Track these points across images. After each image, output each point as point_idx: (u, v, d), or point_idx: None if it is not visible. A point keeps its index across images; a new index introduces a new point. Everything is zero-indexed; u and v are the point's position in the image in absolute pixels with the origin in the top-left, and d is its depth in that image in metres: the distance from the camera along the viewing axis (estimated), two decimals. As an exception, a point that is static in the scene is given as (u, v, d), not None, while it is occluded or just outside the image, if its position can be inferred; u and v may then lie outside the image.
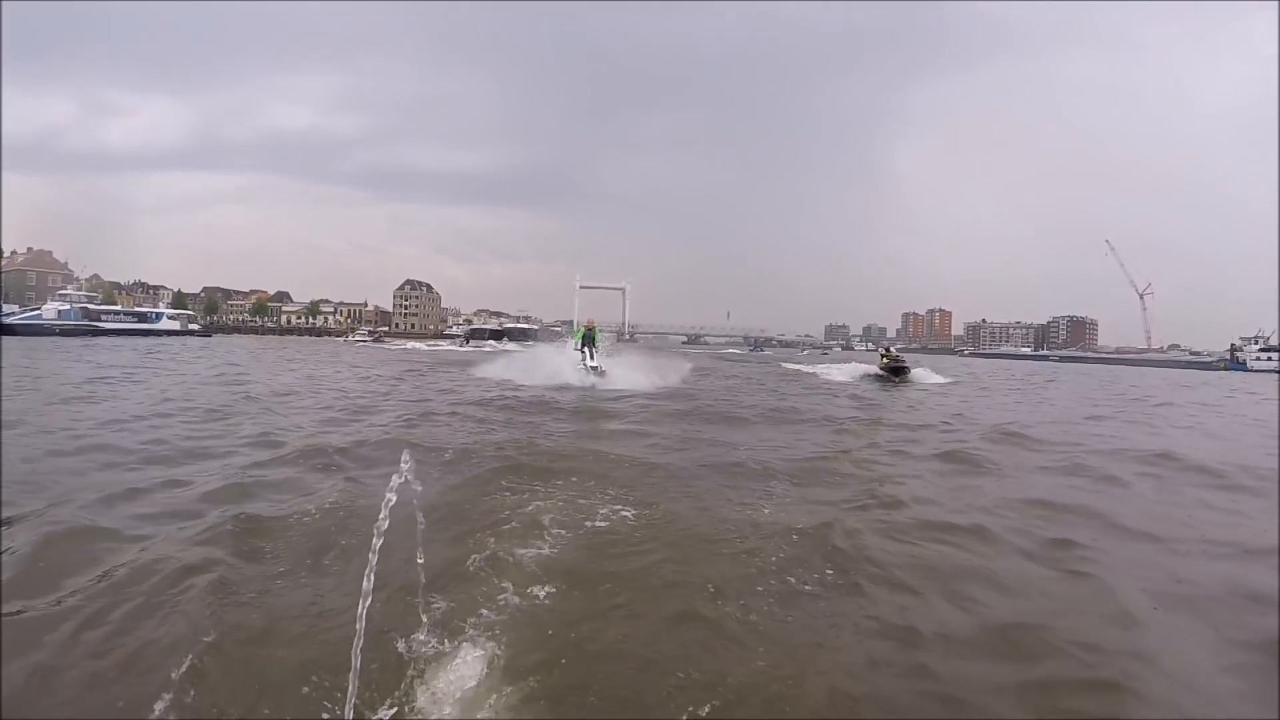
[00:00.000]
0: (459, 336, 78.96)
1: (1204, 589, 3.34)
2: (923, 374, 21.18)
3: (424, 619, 2.55)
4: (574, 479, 5.08)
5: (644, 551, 3.53)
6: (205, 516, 3.93)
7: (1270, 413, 14.95)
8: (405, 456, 2.38)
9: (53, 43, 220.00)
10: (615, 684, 2.28)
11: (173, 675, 2.18)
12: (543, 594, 2.92)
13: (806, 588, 3.15)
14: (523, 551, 3.39)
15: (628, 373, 15.49)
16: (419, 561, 2.67)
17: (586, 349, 16.14)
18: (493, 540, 3.56)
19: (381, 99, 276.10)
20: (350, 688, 1.86)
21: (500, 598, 2.85)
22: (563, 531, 3.73)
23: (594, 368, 15.46)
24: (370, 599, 1.94)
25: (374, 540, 2.05)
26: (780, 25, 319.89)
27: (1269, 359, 68.97)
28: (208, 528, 3.72)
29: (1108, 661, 2.52)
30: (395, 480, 2.22)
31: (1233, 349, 78.60)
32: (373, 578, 1.98)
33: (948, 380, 21.36)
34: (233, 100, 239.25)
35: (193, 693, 2.12)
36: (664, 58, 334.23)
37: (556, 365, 16.09)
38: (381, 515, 2.09)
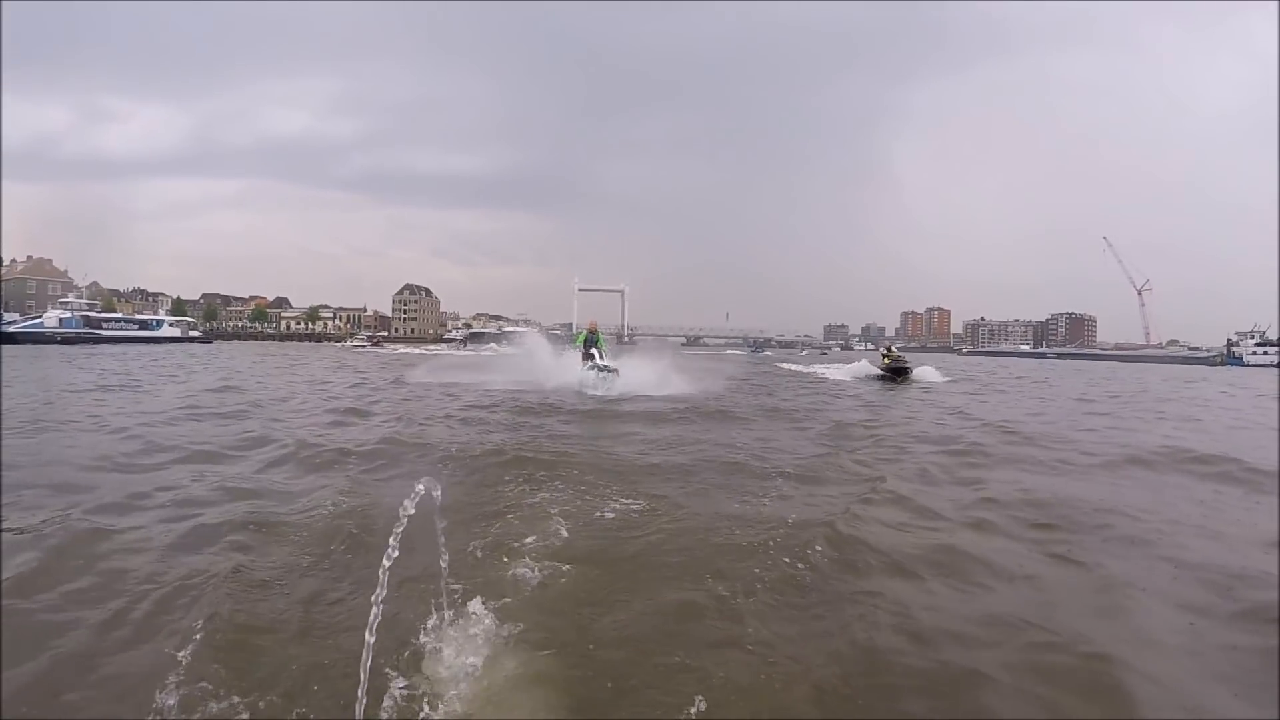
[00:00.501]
0: (458, 340, 79.18)
1: (1183, 574, 3.48)
2: (927, 373, 20.96)
3: (433, 605, 2.64)
4: (576, 471, 5.25)
5: (646, 542, 3.67)
6: (220, 516, 4.04)
7: (1249, 405, 15.14)
8: (433, 484, 2.39)
9: (48, 50, 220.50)
10: (613, 668, 2.37)
11: (188, 666, 2.28)
12: (547, 581, 3.06)
13: (803, 571, 3.27)
14: (528, 540, 3.54)
15: (650, 375, 14.17)
16: (441, 554, 2.75)
17: (595, 350, 14.72)
18: (499, 529, 3.73)
19: (378, 102, 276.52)
20: (362, 678, 1.90)
21: (506, 584, 2.99)
22: (568, 523, 3.88)
23: (604, 366, 14.02)
24: (385, 590, 1.98)
25: (394, 530, 2.11)
26: (778, 26, 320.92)
27: (1265, 353, 69.28)
28: (222, 524, 3.84)
29: (1093, 637, 2.66)
30: (416, 491, 2.25)
31: (1229, 344, 78.89)
32: (388, 571, 2.01)
33: (948, 379, 21.19)
34: (229, 105, 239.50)
35: (207, 682, 2.20)
36: (662, 59, 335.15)
37: (546, 368, 15.17)
38: (396, 532, 2.09)
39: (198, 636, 2.47)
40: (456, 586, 2.83)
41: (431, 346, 69.47)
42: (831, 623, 2.78)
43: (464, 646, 2.44)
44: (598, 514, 4.15)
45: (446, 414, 9.45)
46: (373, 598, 1.95)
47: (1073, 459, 6.76)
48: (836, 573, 3.30)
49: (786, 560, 3.39)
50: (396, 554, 2.06)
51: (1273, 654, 2.62)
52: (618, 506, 4.33)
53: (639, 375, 14.27)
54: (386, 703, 2.11)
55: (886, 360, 20.55)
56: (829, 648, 2.57)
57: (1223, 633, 2.81)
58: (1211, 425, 10.95)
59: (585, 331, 15.52)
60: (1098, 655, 2.51)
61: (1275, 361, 64.04)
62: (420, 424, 8.40)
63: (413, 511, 2.19)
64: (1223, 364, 69.69)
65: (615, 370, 13.90)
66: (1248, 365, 66.13)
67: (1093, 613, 2.93)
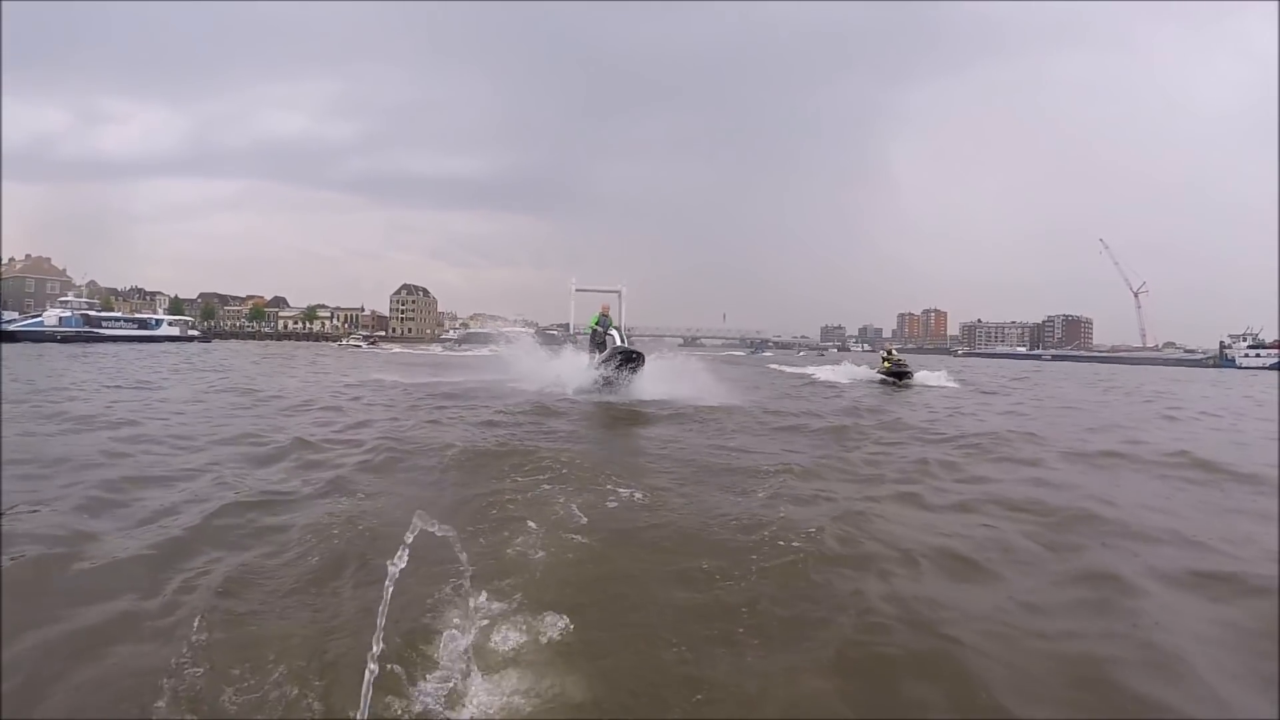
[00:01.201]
0: (453, 340, 79.30)
1: (1154, 559, 3.70)
2: (939, 376, 20.72)
3: (440, 593, 2.74)
4: (577, 461, 5.45)
5: (648, 531, 3.84)
6: (225, 512, 4.08)
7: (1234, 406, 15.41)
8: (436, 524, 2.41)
9: (48, 50, 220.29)
10: (615, 656, 2.46)
11: (192, 661, 2.32)
12: (547, 569, 3.18)
13: (803, 559, 3.38)
14: (532, 526, 3.69)
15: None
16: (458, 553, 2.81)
17: (614, 332, 12.41)
18: (502, 516, 3.90)
19: (376, 104, 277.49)
20: (368, 675, 1.90)
21: (507, 572, 3.10)
22: (570, 514, 4.01)
23: (627, 350, 11.58)
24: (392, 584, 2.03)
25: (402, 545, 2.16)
26: (775, 27, 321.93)
27: (1257, 356, 69.95)
28: (228, 519, 3.92)
29: (1080, 623, 2.84)
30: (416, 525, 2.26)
31: (1222, 347, 79.48)
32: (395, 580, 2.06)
33: (952, 381, 20.73)
34: (227, 107, 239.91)
35: (212, 677, 2.24)
36: (660, 60, 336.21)
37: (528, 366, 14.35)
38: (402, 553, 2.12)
39: (203, 632, 2.50)
40: (467, 569, 2.89)
41: (428, 347, 69.41)
42: (829, 609, 2.86)
43: (466, 634, 2.48)
44: (600, 505, 4.31)
45: (444, 412, 9.56)
46: (382, 591, 2.01)
47: (1062, 455, 7.02)
48: (835, 562, 3.40)
49: (781, 544, 3.57)
50: (405, 562, 2.09)
51: (1214, 618, 2.87)
52: (620, 497, 4.51)
53: (676, 371, 12.45)
54: (392, 696, 2.13)
55: (886, 364, 20.19)
56: (826, 633, 2.66)
57: (1177, 602, 3.07)
58: (1195, 426, 11.28)
59: (599, 313, 13.28)
60: (1076, 634, 2.70)
61: (1267, 364, 64.69)
62: (419, 421, 8.56)
63: (420, 531, 2.21)
64: (1215, 366, 70.20)
65: (640, 356, 11.59)
66: (1240, 368, 66.64)
67: (1079, 599, 3.11)
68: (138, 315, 68.01)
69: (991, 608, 2.97)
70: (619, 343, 11.93)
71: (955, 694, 2.29)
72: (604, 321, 12.88)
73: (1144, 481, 5.88)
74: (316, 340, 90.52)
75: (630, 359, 11.51)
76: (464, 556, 2.82)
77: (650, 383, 11.65)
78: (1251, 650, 2.65)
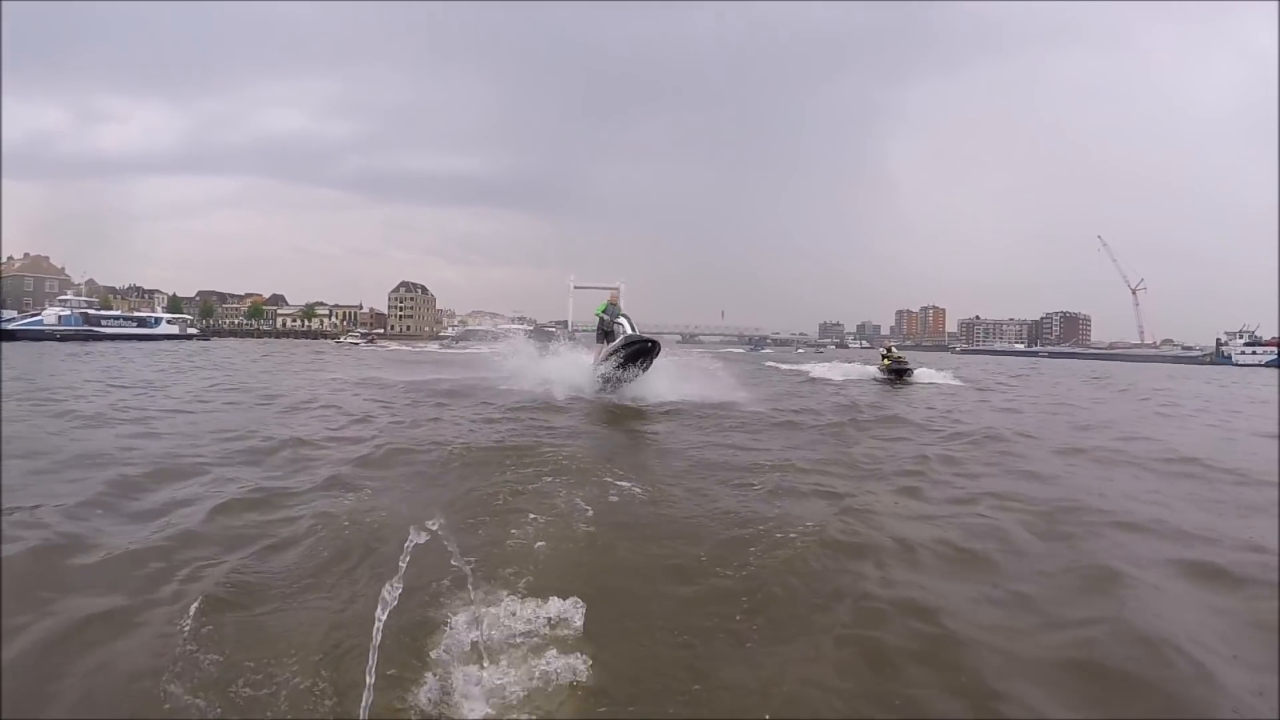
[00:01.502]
0: (451, 338, 79.45)
1: (1158, 557, 3.75)
2: (944, 374, 20.51)
3: (442, 586, 2.78)
4: (578, 456, 5.50)
5: (647, 525, 3.89)
6: (223, 509, 4.07)
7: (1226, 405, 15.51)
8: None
9: (46, 51, 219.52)
10: (617, 650, 2.48)
11: (192, 658, 2.33)
12: (547, 562, 3.20)
13: (803, 553, 3.40)
14: (534, 518, 3.75)
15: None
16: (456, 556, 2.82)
17: (622, 319, 11.14)
18: (504, 509, 3.96)
19: (375, 104, 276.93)
20: (370, 670, 1.96)
21: (507, 564, 3.12)
22: (570, 508, 4.05)
23: (635, 340, 10.30)
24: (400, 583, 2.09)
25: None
26: (774, 27, 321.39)
27: (1254, 353, 70.23)
28: (227, 517, 3.93)
29: (1077, 611, 2.91)
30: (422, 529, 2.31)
31: (1218, 344, 79.76)
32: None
33: (956, 380, 20.34)
34: (226, 105, 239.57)
35: (210, 676, 2.25)
36: (659, 61, 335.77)
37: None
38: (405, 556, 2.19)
39: (212, 622, 2.53)
40: (469, 561, 2.92)
41: (425, 344, 69.30)
42: (827, 597, 2.91)
43: (469, 625, 2.50)
44: (602, 498, 4.35)
45: (444, 409, 9.57)
46: (384, 590, 2.06)
47: (1056, 451, 7.10)
48: (834, 553, 3.42)
49: (779, 536, 3.62)
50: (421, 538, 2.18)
51: (1200, 605, 2.96)
52: (621, 490, 4.57)
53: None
54: (396, 689, 2.14)
55: (886, 361, 20.21)
56: (825, 620, 2.71)
57: (1165, 589, 3.15)
58: (1189, 422, 11.39)
59: (606, 302, 11.84)
60: (1067, 620, 2.77)
61: (1264, 361, 64.96)
62: (419, 418, 8.59)
63: (429, 534, 2.28)
64: (1212, 363, 70.43)
65: (655, 346, 10.23)
66: (1237, 365, 66.84)
67: (1069, 586, 3.18)
68: (136, 314, 68.03)
69: (985, 595, 3.04)
70: (630, 332, 10.65)
71: (950, 677, 2.35)
72: (612, 310, 11.58)
73: (1134, 475, 5.96)
74: (315, 338, 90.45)
75: (644, 351, 10.21)
76: (458, 551, 2.86)
77: (662, 381, 10.76)
78: (1238, 636, 2.72)
